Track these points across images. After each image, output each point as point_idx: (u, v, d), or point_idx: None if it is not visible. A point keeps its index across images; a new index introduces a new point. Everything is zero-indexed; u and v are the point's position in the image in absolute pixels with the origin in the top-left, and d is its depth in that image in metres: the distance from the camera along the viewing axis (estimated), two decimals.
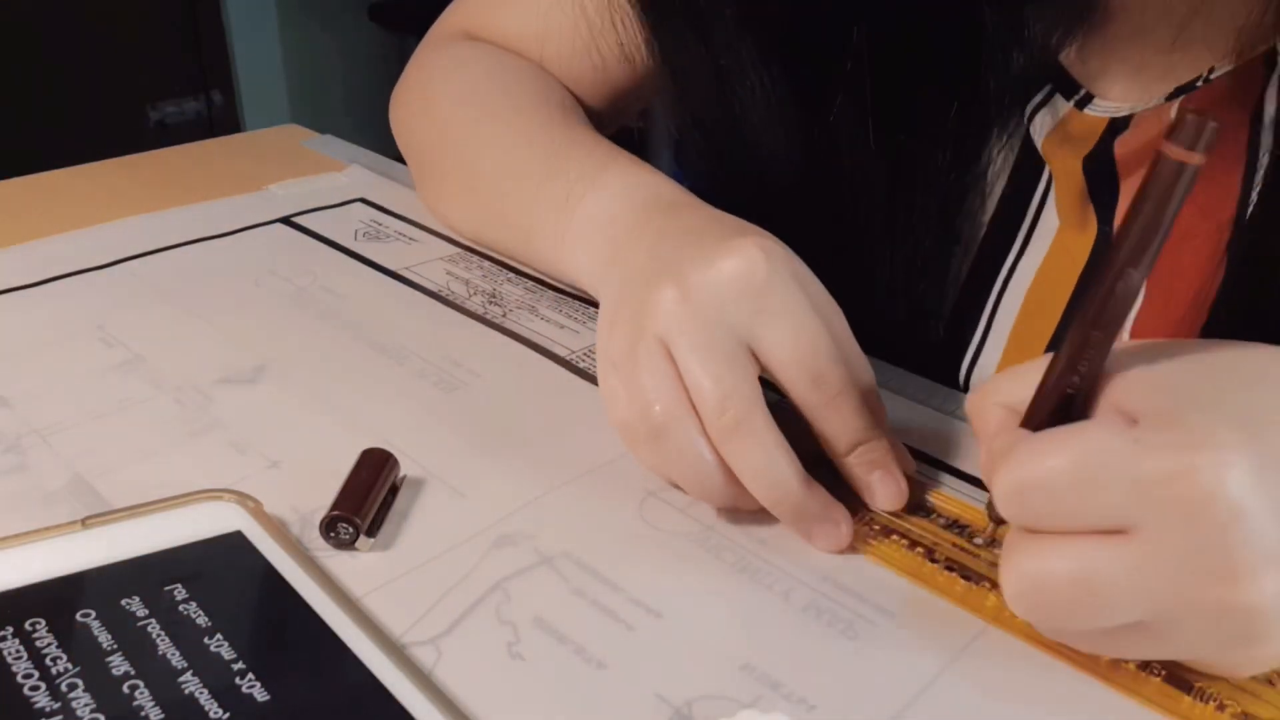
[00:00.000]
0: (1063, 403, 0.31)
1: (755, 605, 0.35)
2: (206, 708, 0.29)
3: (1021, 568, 0.30)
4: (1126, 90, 0.45)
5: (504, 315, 0.52)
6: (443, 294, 0.54)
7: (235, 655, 0.30)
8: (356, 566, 0.35)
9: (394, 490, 0.38)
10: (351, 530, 0.36)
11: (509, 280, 0.55)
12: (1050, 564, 0.29)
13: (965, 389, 0.51)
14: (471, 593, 0.35)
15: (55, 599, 0.32)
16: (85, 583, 0.33)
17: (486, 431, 0.43)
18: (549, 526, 0.38)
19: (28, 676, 0.29)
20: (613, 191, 0.47)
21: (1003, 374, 0.34)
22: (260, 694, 0.29)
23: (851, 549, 0.37)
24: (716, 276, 0.37)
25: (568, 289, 0.54)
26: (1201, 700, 0.31)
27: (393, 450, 0.39)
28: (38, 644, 0.30)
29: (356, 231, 0.60)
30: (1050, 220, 0.48)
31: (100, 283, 0.54)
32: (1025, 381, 0.32)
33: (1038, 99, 0.47)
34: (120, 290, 0.53)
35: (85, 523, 0.35)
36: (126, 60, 2.18)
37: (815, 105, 0.47)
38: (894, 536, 0.38)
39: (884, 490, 0.38)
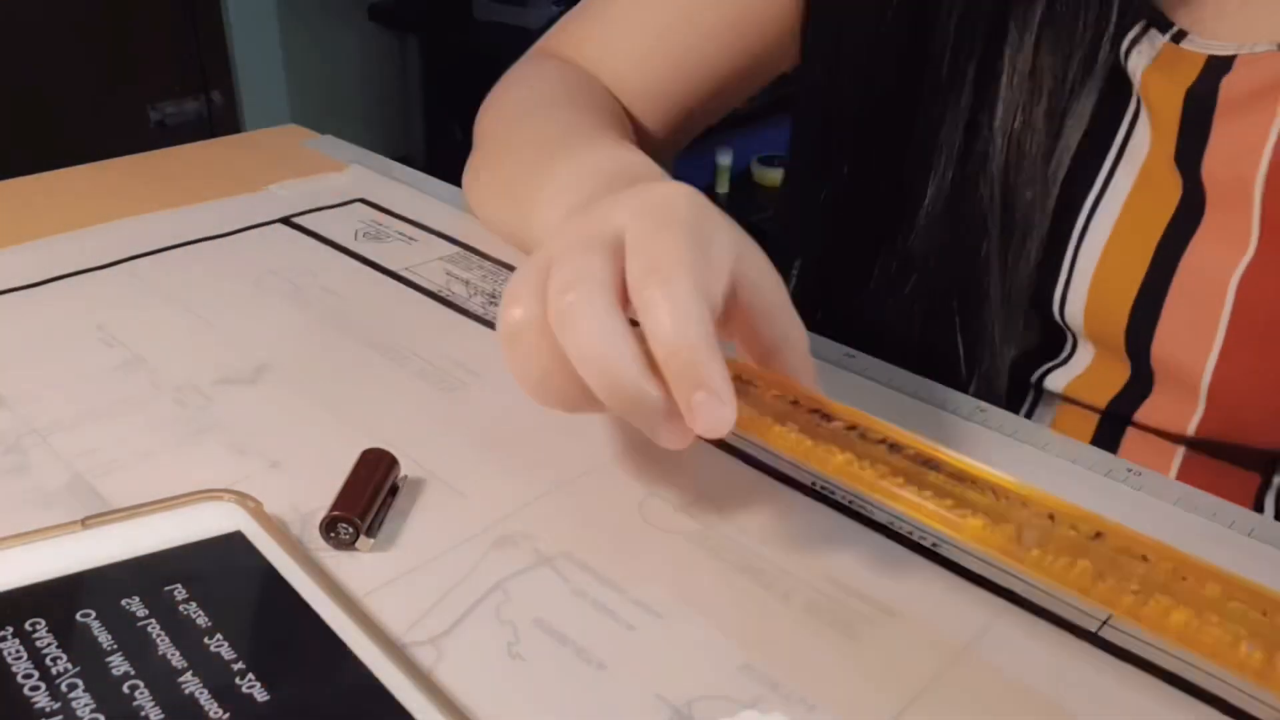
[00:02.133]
0: None
1: (755, 605, 0.35)
2: (206, 708, 0.29)
3: None
4: (1232, 29, 0.45)
5: None
6: (443, 294, 0.54)
7: (235, 655, 0.30)
8: (356, 566, 0.35)
9: (394, 490, 0.38)
10: (351, 530, 0.36)
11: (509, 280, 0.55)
12: None
13: (1064, 320, 0.50)
14: (471, 593, 0.35)
15: (55, 599, 0.32)
16: (85, 583, 0.33)
17: (486, 431, 0.43)
18: (549, 526, 0.38)
19: (28, 676, 0.29)
20: (590, 162, 0.47)
21: None
22: (260, 694, 0.29)
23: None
24: (620, 198, 0.36)
25: None
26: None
27: (393, 450, 0.39)
28: (38, 644, 0.30)
29: (356, 231, 0.60)
30: (1137, 155, 0.48)
31: (100, 283, 0.54)
32: None
33: (1134, 32, 0.47)
34: (120, 290, 0.53)
35: (85, 523, 0.35)
36: (126, 60, 2.18)
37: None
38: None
39: (704, 413, 0.33)
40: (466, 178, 0.63)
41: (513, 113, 0.60)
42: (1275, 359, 0.45)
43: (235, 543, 0.35)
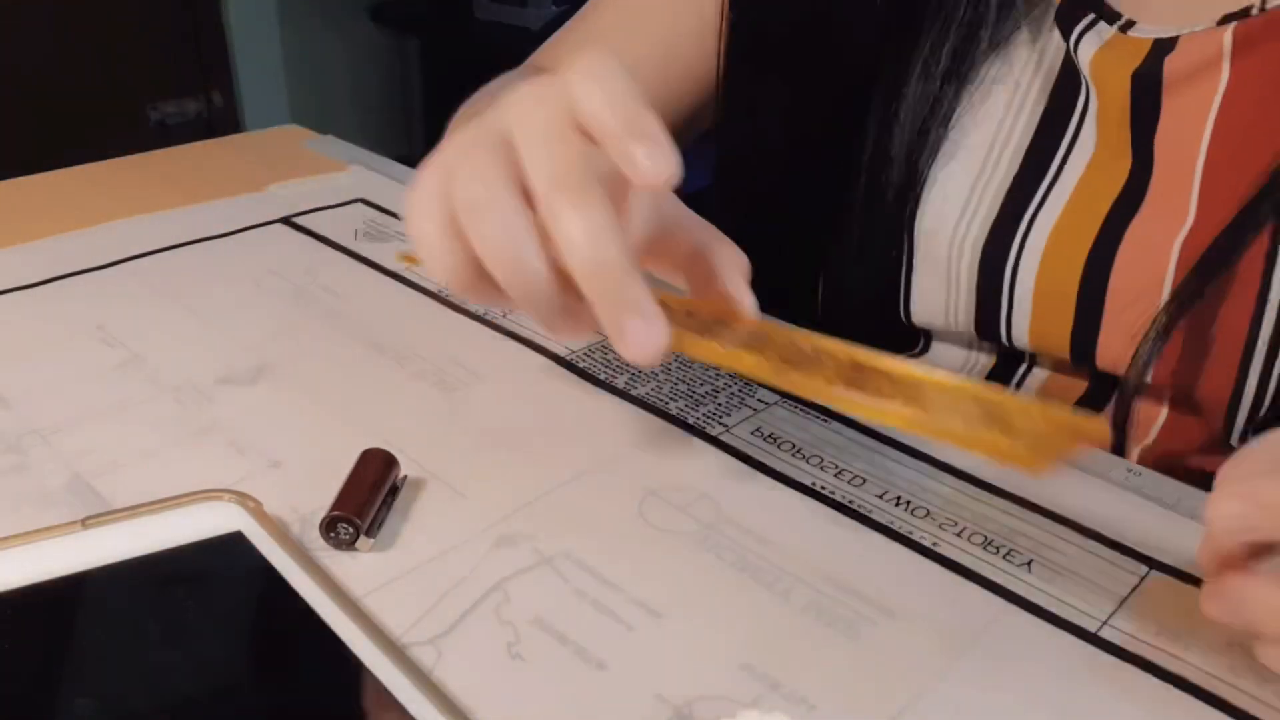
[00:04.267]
0: None
1: (755, 605, 0.35)
2: (207, 708, 0.29)
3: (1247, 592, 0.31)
4: (1170, 15, 0.47)
5: (504, 315, 0.52)
6: (443, 294, 0.54)
7: (235, 655, 0.30)
8: (356, 566, 0.35)
9: (394, 490, 0.38)
10: (351, 530, 0.36)
11: None
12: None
13: (1010, 310, 0.51)
14: (471, 593, 0.35)
15: (55, 599, 0.32)
16: (85, 583, 0.33)
17: (486, 431, 0.43)
18: (549, 526, 0.38)
19: (28, 676, 0.29)
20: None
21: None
22: (260, 694, 0.29)
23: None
24: (561, 75, 0.33)
25: None
26: None
27: (393, 450, 0.39)
28: (38, 643, 0.30)
29: (356, 231, 0.60)
30: (1087, 144, 0.49)
31: (100, 283, 0.54)
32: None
33: (1083, 25, 0.49)
34: (120, 290, 0.53)
35: (85, 523, 0.35)
36: (126, 60, 2.18)
37: None
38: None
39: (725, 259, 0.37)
40: None
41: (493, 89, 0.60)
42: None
43: (235, 543, 0.35)
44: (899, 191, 0.53)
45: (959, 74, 0.52)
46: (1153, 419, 0.49)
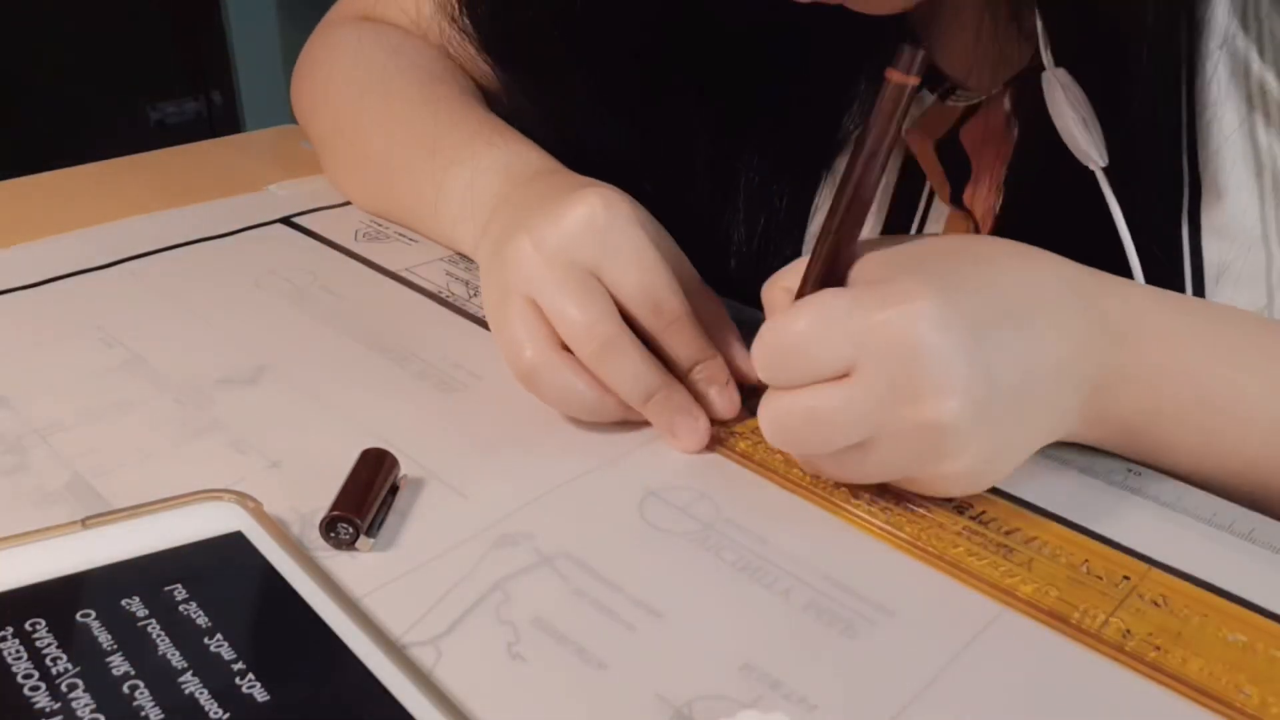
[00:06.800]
0: (823, 282, 0.38)
1: (755, 605, 0.35)
2: (206, 708, 0.29)
3: (770, 407, 0.37)
4: (991, 81, 0.51)
5: None
6: (443, 295, 0.54)
7: (235, 655, 0.30)
8: (356, 566, 0.35)
9: (394, 490, 0.38)
10: (351, 530, 0.36)
11: None
12: (789, 403, 0.36)
13: None
14: (471, 593, 0.35)
15: (55, 599, 0.32)
16: (85, 583, 0.33)
17: (486, 431, 0.43)
18: (549, 526, 0.38)
19: (28, 676, 0.29)
20: (484, 164, 0.51)
21: (787, 266, 0.40)
22: (260, 694, 0.29)
23: (711, 449, 0.42)
24: (561, 224, 0.42)
25: None
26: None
27: (393, 450, 0.39)
28: (38, 644, 0.30)
29: (356, 232, 0.60)
30: (942, 207, 0.53)
31: (100, 283, 0.54)
32: (799, 269, 0.39)
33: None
34: (120, 290, 0.53)
35: (85, 523, 0.35)
36: (126, 60, 2.18)
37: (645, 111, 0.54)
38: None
39: (720, 402, 0.43)
40: (326, 164, 0.65)
41: (351, 95, 0.61)
42: None
43: (235, 543, 0.35)
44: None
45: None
46: None
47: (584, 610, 0.34)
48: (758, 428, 0.39)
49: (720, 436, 0.43)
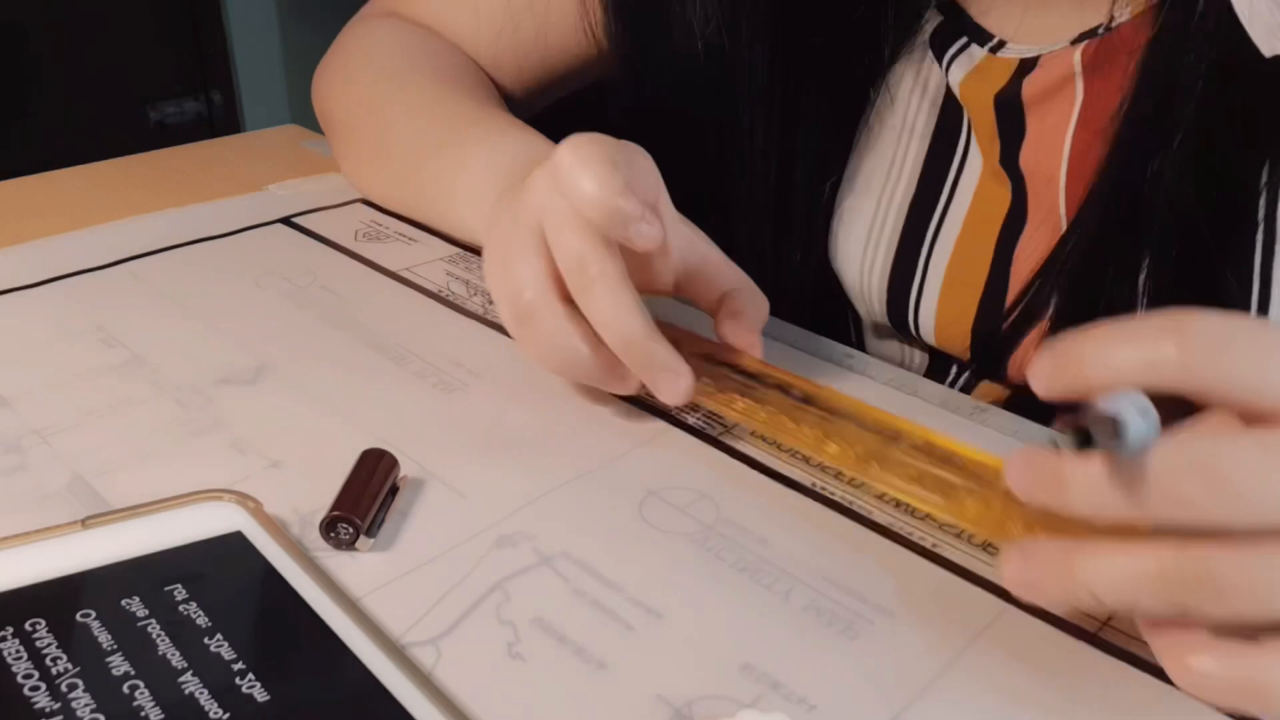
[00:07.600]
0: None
1: (755, 605, 0.35)
2: (206, 708, 0.29)
3: (1234, 670, 0.29)
4: (1038, 34, 0.49)
5: None
6: (443, 294, 0.54)
7: (235, 655, 0.30)
8: (356, 566, 0.35)
9: (394, 490, 0.38)
10: (351, 530, 0.36)
11: None
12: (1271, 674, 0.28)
13: (916, 333, 0.55)
14: (471, 593, 0.35)
15: (55, 599, 0.32)
16: (85, 583, 0.33)
17: (486, 431, 0.43)
18: (549, 526, 0.38)
19: (28, 676, 0.29)
20: (503, 151, 0.51)
21: (1101, 329, 0.29)
22: (260, 694, 0.29)
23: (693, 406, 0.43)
24: (536, 186, 0.40)
25: None
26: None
27: (393, 450, 0.39)
28: (38, 644, 0.30)
29: (356, 232, 0.60)
30: (975, 165, 0.51)
31: (100, 283, 0.54)
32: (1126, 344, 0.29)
33: (955, 48, 0.51)
34: (120, 290, 0.53)
35: (85, 523, 0.35)
36: (126, 60, 2.18)
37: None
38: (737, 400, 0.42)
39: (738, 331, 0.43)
40: (342, 155, 0.65)
41: (376, 88, 0.61)
42: None
43: (235, 543, 0.35)
44: (805, 245, 0.56)
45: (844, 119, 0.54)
46: None
47: (584, 610, 0.34)
48: (765, 418, 0.40)
49: (722, 430, 0.42)
